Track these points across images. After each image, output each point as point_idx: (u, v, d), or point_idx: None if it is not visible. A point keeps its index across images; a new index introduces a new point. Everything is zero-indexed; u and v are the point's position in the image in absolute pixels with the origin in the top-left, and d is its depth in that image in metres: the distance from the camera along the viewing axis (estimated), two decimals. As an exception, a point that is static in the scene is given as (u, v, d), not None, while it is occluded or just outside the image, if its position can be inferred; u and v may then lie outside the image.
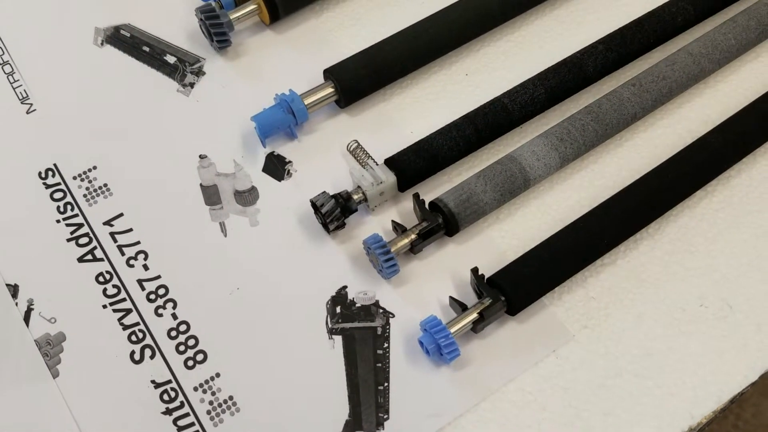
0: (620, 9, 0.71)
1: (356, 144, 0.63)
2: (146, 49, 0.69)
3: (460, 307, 0.56)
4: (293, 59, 0.69)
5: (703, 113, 0.66)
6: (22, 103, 0.66)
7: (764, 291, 0.58)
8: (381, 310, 0.57)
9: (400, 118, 0.66)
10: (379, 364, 0.55)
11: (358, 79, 0.64)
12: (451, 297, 0.56)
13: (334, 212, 0.58)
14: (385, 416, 0.53)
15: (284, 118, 0.63)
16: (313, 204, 0.59)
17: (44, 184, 0.63)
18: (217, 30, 0.66)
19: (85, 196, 0.62)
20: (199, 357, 0.56)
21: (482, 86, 0.67)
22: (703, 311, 0.57)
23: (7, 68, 0.68)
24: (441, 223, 0.58)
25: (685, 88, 0.65)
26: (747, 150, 0.62)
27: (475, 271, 0.56)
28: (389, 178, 0.60)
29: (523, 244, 0.59)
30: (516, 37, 0.70)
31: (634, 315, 0.57)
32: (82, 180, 0.63)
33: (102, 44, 0.69)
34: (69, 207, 0.62)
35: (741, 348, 0.55)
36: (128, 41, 0.70)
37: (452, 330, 0.53)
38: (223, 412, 0.54)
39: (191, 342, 0.56)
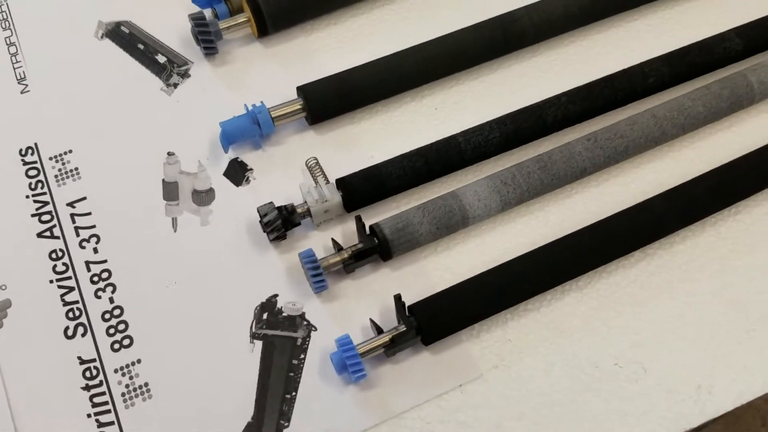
0: (603, 65, 0.70)
1: (315, 161, 0.65)
2: (141, 47, 0.73)
3: (377, 330, 0.57)
4: (275, 73, 0.72)
5: (660, 176, 0.66)
6: (18, 83, 0.71)
7: (683, 360, 0.58)
8: (305, 323, 0.60)
9: (365, 141, 0.68)
10: (292, 374, 0.58)
11: (326, 100, 0.67)
12: (371, 319, 0.58)
13: (275, 223, 0.60)
14: (286, 424, 0.56)
15: (250, 128, 0.66)
16: (259, 212, 0.61)
17: (23, 160, 0.67)
18: (204, 37, 0.70)
19: (56, 176, 0.66)
20: (126, 342, 0.59)
21: (447, 122, 0.68)
22: (617, 371, 0.57)
23: (12, 49, 0.73)
24: (375, 247, 0.60)
25: (644, 149, 0.65)
26: (691, 219, 0.62)
27: (397, 297, 0.58)
28: (335, 197, 0.62)
29: (455, 279, 0.60)
30: (491, 79, 0.71)
31: (546, 363, 0.57)
32: (57, 161, 0.67)
33: (102, 37, 0.74)
34: (39, 185, 0.66)
35: (644, 413, 0.55)
36: (126, 37, 0.74)
37: (361, 351, 0.55)
38: (136, 396, 0.57)
39: (122, 326, 0.59)
